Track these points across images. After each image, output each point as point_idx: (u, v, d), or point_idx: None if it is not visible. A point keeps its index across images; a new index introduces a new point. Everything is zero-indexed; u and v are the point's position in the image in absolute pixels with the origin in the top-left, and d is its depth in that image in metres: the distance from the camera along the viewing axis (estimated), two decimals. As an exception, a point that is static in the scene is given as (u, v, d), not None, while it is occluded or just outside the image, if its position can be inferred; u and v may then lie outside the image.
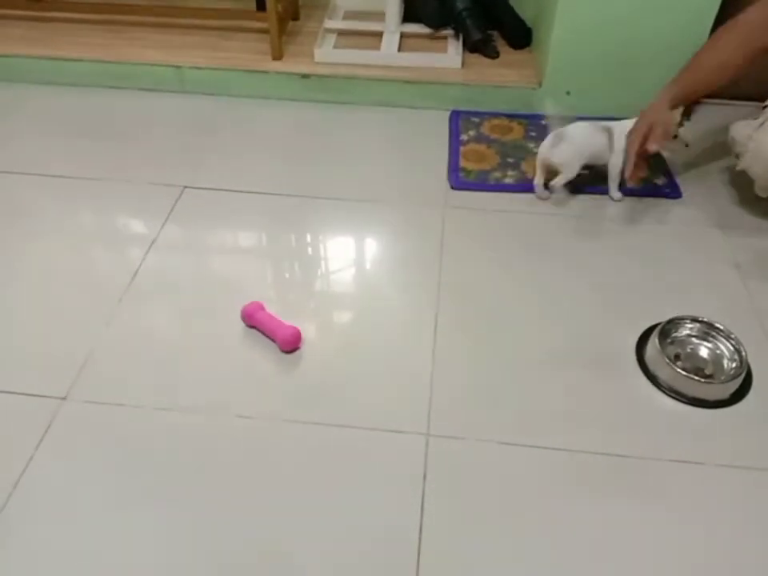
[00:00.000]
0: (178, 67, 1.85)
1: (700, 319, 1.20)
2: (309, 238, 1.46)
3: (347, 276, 1.38)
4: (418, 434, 1.06)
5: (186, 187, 1.55)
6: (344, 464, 1.02)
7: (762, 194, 1.39)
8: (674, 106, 1.38)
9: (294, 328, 1.15)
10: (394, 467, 1.02)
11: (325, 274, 1.39)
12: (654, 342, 1.16)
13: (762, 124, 1.33)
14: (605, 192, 1.54)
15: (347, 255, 1.43)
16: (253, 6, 1.96)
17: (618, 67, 1.71)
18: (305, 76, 1.82)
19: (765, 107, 1.40)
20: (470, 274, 1.35)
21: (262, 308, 1.19)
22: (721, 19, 1.60)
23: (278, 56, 1.85)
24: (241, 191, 1.55)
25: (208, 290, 1.30)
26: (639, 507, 0.98)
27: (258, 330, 1.18)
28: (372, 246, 1.46)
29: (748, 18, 1.29)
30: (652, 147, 1.33)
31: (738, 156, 1.39)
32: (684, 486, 1.01)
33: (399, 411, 1.09)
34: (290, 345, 1.15)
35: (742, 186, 1.50)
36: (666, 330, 1.18)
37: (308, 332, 1.20)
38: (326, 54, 1.85)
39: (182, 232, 1.45)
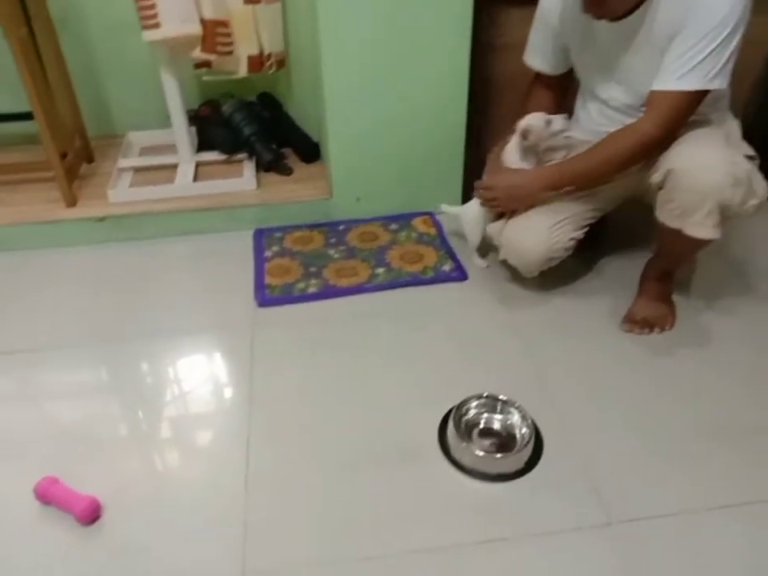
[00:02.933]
0: (-35, 230, 1.80)
1: (484, 395, 1.30)
2: (113, 389, 1.43)
3: (153, 421, 1.34)
4: (233, 577, 1.04)
5: (-23, 356, 1.48)
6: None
7: (528, 276, 1.56)
8: (544, 191, 1.45)
9: (90, 499, 1.10)
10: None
11: (129, 424, 1.35)
12: (450, 427, 1.24)
13: (507, 220, 1.51)
14: (395, 286, 1.67)
15: (154, 398, 1.40)
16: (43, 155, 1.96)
17: (395, 169, 1.87)
18: (100, 219, 1.82)
19: None
20: (280, 390, 1.39)
21: (55, 482, 1.13)
22: (474, 112, 1.83)
23: (71, 203, 1.84)
24: (38, 350, 1.49)
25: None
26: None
27: (55, 506, 1.12)
28: (180, 384, 1.44)
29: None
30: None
31: (498, 248, 1.56)
32: (491, 566, 1.06)
33: (212, 557, 1.07)
34: (88, 517, 1.09)
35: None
36: (458, 414, 1.26)
37: (110, 495, 1.15)
38: (120, 194, 1.87)
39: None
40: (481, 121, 1.88)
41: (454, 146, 1.87)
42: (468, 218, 1.68)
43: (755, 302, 1.59)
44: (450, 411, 1.28)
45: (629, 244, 1.78)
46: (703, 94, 1.26)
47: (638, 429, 1.28)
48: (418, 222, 1.92)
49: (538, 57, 1.54)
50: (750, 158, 1.32)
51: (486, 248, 1.72)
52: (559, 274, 1.60)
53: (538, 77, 1.58)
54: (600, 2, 1.25)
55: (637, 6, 1.27)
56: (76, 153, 1.98)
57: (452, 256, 1.78)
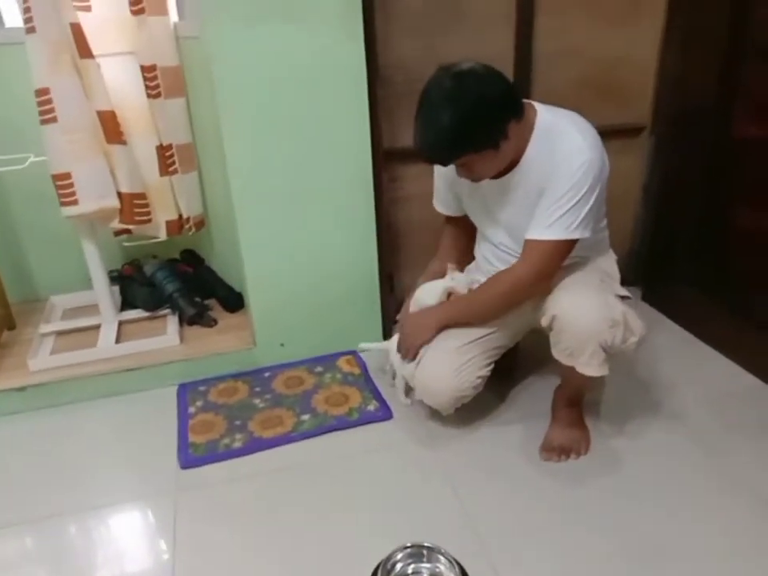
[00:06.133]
0: None
1: (409, 545, 1.29)
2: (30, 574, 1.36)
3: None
4: None
5: None
6: None
7: (445, 414, 1.61)
8: (439, 330, 1.57)
9: None
10: None
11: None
12: (379, 586, 1.23)
13: (418, 363, 1.58)
14: (321, 432, 1.68)
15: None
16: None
17: (315, 312, 1.95)
18: (21, 389, 1.80)
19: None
20: (204, 559, 1.34)
21: None
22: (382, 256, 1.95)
23: (-12, 375, 1.83)
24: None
25: None
26: None
27: None
28: (100, 564, 1.37)
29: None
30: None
31: (413, 389, 1.62)
32: None
33: None
34: None
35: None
36: (385, 569, 1.25)
37: None
38: (42, 362, 1.86)
39: None
40: (392, 265, 2.01)
41: (369, 288, 1.97)
42: (396, 351, 1.73)
43: (662, 421, 1.67)
44: (377, 568, 1.26)
45: (539, 371, 1.87)
46: (569, 243, 1.40)
47: (566, 562, 1.29)
48: (342, 362, 1.97)
49: (441, 203, 1.68)
50: (624, 297, 1.46)
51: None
52: (477, 408, 1.65)
53: (449, 217, 1.71)
54: (468, 174, 1.41)
55: (512, 167, 1.43)
56: (-5, 322, 1.99)
57: (376, 395, 1.82)
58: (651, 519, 1.38)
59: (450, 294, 1.58)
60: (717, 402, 1.73)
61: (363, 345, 1.87)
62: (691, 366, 1.90)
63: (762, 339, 1.80)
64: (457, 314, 1.56)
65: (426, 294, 1.63)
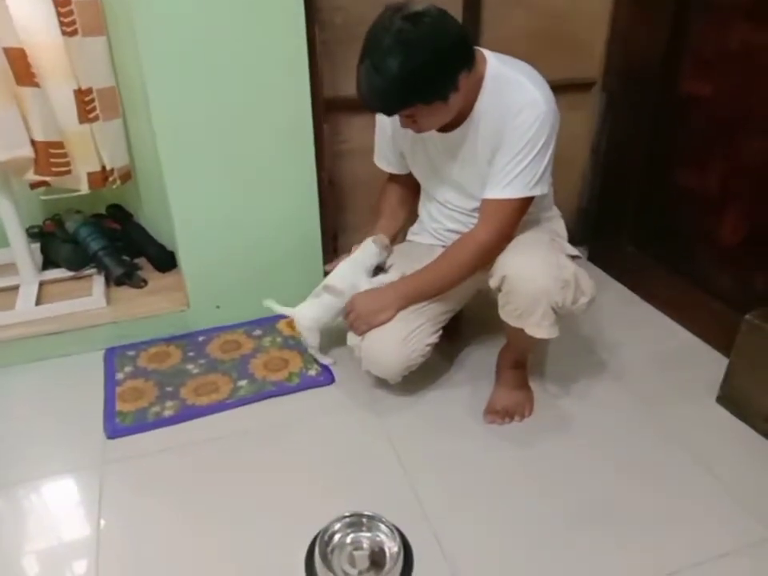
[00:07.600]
0: None
1: (347, 515, 1.24)
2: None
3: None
4: None
5: None
6: None
7: (392, 383, 1.55)
8: (399, 310, 1.46)
9: None
10: None
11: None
12: (317, 558, 1.18)
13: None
14: (259, 398, 1.61)
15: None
16: None
17: (253, 273, 1.85)
18: (-72, 356, 1.66)
19: None
20: (131, 538, 1.26)
21: None
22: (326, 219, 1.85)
23: None
24: None
25: None
26: None
27: None
28: (17, 546, 1.27)
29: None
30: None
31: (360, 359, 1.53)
32: None
33: None
34: None
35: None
36: (323, 540, 1.20)
37: None
38: (-47, 326, 1.72)
39: None
40: (336, 223, 1.92)
41: (311, 247, 1.88)
42: (304, 320, 1.64)
43: (606, 380, 1.67)
44: (315, 539, 1.21)
45: (485, 333, 1.84)
46: (528, 200, 1.35)
47: (509, 526, 1.27)
48: (282, 325, 1.89)
49: (383, 160, 1.60)
50: (574, 257, 1.41)
51: (328, 345, 1.72)
52: (422, 371, 1.58)
53: (392, 175, 1.63)
54: (412, 125, 1.32)
55: (460, 121, 1.35)
56: None
57: (317, 360, 1.75)
58: (593, 479, 1.38)
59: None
60: (659, 361, 1.74)
61: (269, 303, 1.70)
62: (635, 325, 1.91)
63: (704, 300, 1.81)
64: (417, 289, 1.46)
65: (357, 268, 1.57)
